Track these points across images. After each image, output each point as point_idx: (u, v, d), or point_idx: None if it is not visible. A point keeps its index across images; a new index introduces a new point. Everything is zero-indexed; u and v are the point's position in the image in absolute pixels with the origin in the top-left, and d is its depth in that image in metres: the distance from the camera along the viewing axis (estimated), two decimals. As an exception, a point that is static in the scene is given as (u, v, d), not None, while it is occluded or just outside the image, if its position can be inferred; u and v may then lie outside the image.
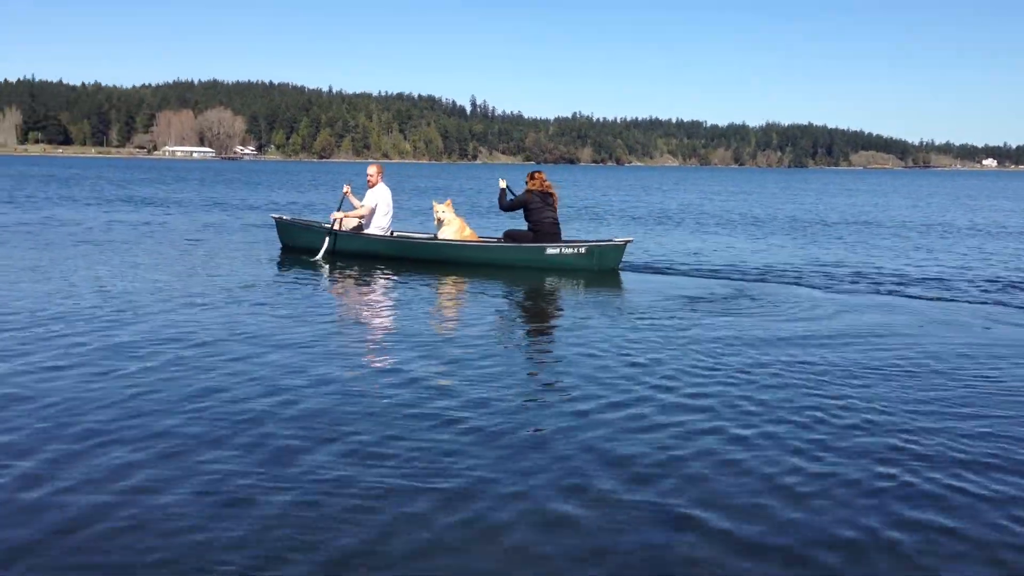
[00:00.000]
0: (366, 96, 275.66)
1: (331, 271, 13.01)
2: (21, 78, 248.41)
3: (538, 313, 10.36)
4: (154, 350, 7.35)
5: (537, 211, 13.05)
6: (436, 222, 13.91)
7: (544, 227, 13.05)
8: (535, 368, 7.33)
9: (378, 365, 7.18)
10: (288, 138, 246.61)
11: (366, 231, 14.25)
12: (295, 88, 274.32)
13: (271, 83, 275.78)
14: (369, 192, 14.36)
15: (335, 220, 14.25)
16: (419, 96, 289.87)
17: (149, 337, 7.85)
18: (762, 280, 12.86)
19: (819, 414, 5.95)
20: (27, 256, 13.90)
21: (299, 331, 8.42)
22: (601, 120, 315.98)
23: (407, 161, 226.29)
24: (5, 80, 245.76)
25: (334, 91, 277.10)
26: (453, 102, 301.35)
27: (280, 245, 15.20)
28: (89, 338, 7.75)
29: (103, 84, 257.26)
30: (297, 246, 14.58)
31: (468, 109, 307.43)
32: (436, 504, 4.31)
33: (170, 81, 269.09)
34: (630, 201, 39.46)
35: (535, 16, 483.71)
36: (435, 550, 3.86)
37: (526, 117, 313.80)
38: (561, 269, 12.86)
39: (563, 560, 3.82)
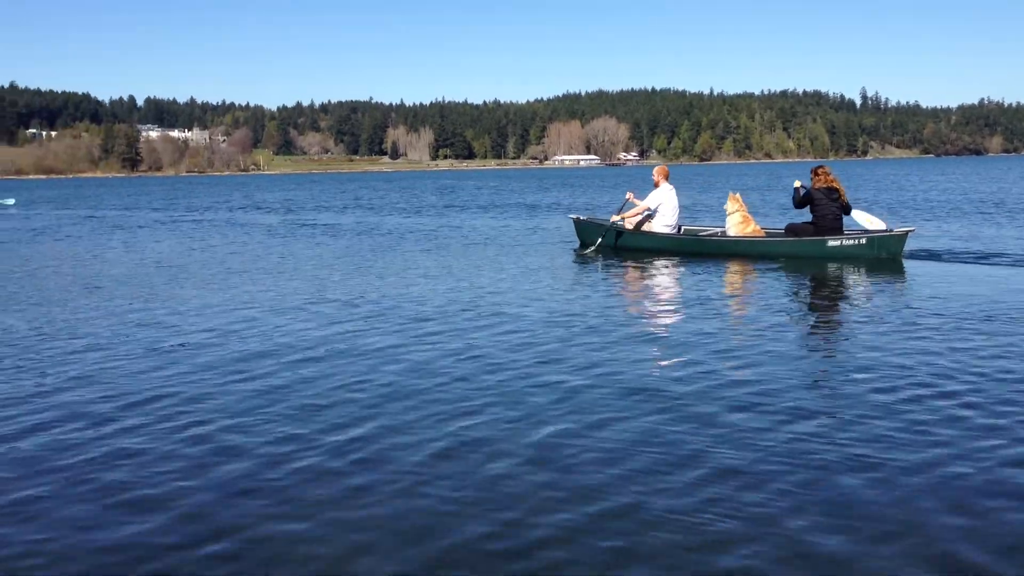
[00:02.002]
0: (748, 96, 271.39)
1: (617, 265, 13.50)
2: (433, 101, 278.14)
3: (820, 303, 10.05)
4: (469, 334, 7.53)
5: (822, 206, 13.41)
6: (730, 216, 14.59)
7: (826, 221, 13.39)
8: (824, 353, 7.19)
9: (666, 352, 7.19)
10: (669, 142, 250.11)
11: (654, 229, 14.99)
12: (676, 93, 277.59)
13: (653, 89, 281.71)
14: (652, 193, 15.14)
15: (613, 221, 15.22)
16: (804, 92, 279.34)
17: (472, 323, 8.09)
18: None
19: None
20: (424, 257, 15.20)
21: (596, 320, 8.71)
22: (1015, 105, 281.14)
23: (790, 160, 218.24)
24: (420, 103, 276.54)
25: (715, 93, 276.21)
26: (841, 96, 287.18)
27: (578, 243, 16.28)
28: (443, 325, 8.14)
29: (501, 101, 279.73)
30: (594, 243, 15.46)
31: (858, 102, 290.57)
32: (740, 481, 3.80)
33: (560, 94, 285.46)
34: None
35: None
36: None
37: (924, 107, 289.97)
38: (843, 259, 13.09)
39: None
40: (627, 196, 15.63)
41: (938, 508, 3.95)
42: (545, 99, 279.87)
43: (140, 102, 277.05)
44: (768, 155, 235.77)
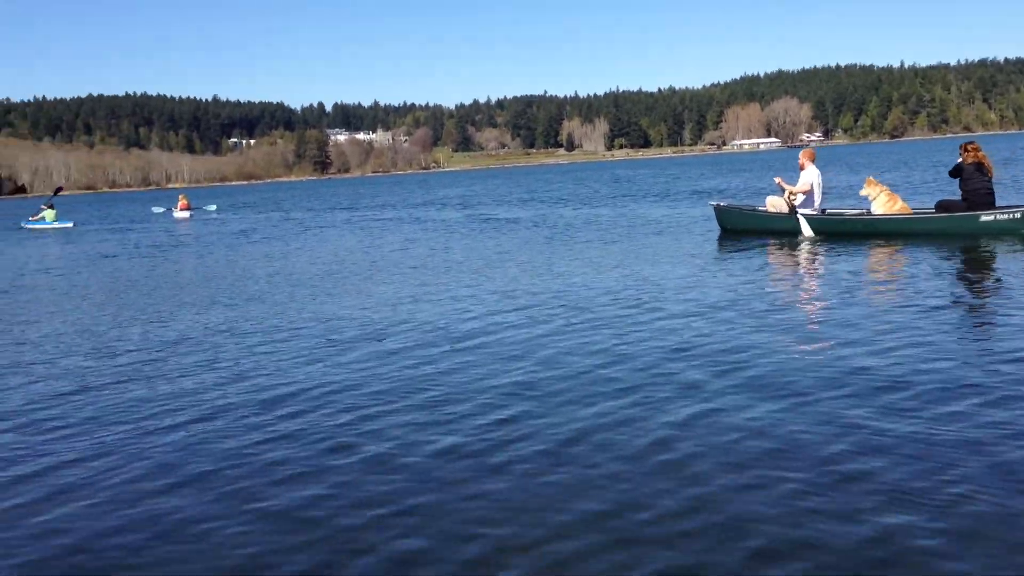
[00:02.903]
0: (942, 67, 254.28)
1: (766, 249, 13.47)
2: (607, 91, 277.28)
3: (975, 281, 9.69)
4: (629, 314, 7.67)
5: (971, 180, 13.20)
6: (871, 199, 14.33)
7: (978, 196, 13.15)
8: (978, 333, 6.98)
9: (822, 333, 7.19)
10: (856, 120, 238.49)
11: (799, 211, 14.74)
12: (863, 68, 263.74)
13: (837, 66, 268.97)
14: (803, 174, 15.09)
15: (790, 197, 15.04)
16: (1006, 60, 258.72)
17: (625, 302, 8.22)
18: None
19: None
20: (588, 248, 15.48)
21: (744, 300, 8.94)
22: None
23: (992, 132, 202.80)
24: (595, 94, 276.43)
25: (905, 66, 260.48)
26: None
27: (720, 229, 16.31)
28: (590, 314, 8.37)
29: (676, 88, 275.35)
30: (734, 229, 15.87)
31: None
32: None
33: (737, 77, 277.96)
34: None
35: None
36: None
37: None
38: (997, 234, 12.73)
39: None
40: (776, 180, 15.74)
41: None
42: (722, 83, 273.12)
43: (328, 108, 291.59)
44: (967, 128, 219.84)
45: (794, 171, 15.89)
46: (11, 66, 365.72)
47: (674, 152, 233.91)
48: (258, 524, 4.04)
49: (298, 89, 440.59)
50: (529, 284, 11.10)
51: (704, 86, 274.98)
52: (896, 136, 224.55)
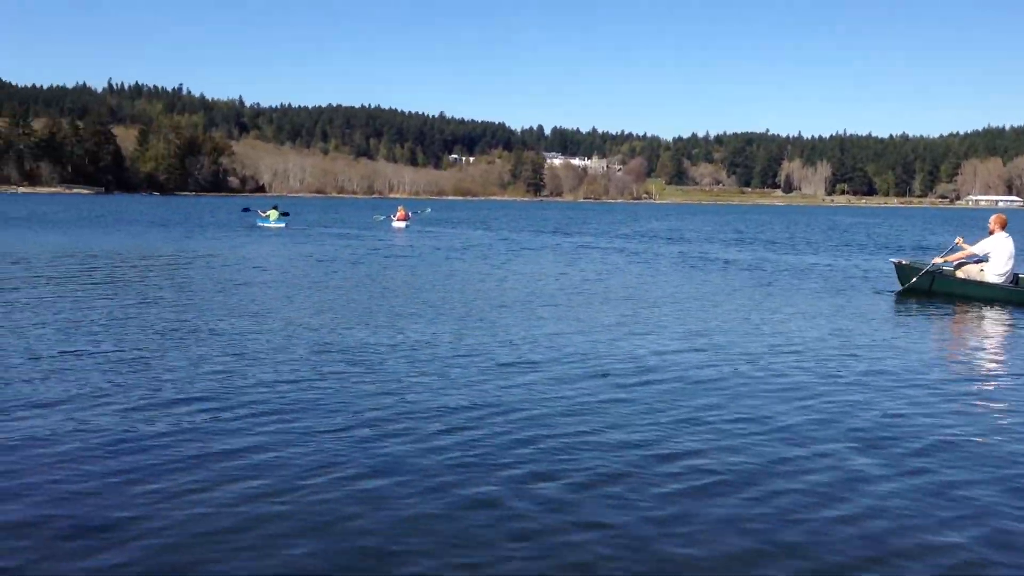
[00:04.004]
0: None
1: (943, 312, 13.25)
2: (833, 134, 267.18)
3: None
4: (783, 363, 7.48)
5: None
6: None
7: None
8: None
9: (985, 404, 7.06)
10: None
11: (986, 277, 14.63)
12: None
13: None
14: (984, 240, 14.88)
15: (935, 263, 15.38)
16: None
17: (782, 354, 8.00)
18: None
19: None
20: (771, 297, 15.15)
21: (906, 363, 8.79)
22: None
23: None
24: (819, 136, 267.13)
25: None
26: None
27: (899, 287, 15.96)
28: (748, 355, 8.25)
29: (910, 135, 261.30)
30: (914, 287, 15.54)
31: None
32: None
33: (979, 128, 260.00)
34: None
35: None
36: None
37: None
38: None
39: None
40: (956, 240, 15.53)
41: None
42: (961, 133, 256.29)
43: (547, 131, 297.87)
44: None
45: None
46: (263, 74, 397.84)
47: (900, 202, 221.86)
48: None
49: (520, 111, 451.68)
50: (719, 325, 10.99)
51: (940, 135, 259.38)
52: None
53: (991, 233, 14.86)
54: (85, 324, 10.24)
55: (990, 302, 14.04)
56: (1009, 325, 11.97)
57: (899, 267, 16.28)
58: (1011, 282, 14.62)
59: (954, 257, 15.17)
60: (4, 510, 4.51)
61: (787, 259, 24.88)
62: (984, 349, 10.31)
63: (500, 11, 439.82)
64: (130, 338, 9.39)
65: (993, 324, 12.09)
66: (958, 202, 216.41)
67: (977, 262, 14.86)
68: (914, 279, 15.29)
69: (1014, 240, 14.92)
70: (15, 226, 36.45)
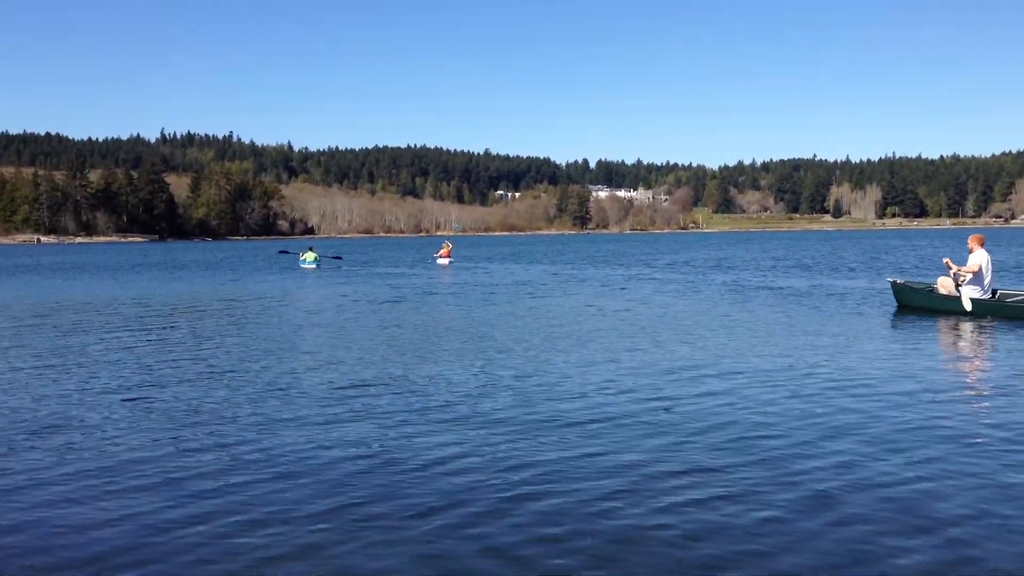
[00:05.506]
0: None
1: (942, 328, 14.20)
2: (882, 157, 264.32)
3: None
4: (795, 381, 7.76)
5: None
6: None
7: None
8: None
9: (980, 411, 7.50)
10: None
11: (972, 294, 15.75)
12: None
13: None
14: (971, 256, 16.04)
15: (940, 283, 16.56)
16: None
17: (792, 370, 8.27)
18: None
19: None
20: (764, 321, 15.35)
21: (910, 375, 9.43)
22: None
23: None
24: (867, 160, 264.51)
25: None
26: None
27: (896, 304, 17.38)
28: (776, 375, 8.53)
29: (961, 156, 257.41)
30: (908, 304, 17.00)
31: None
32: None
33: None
34: None
35: None
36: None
37: None
38: None
39: None
40: (944, 261, 16.80)
41: None
42: (1015, 152, 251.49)
43: (592, 164, 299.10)
44: None
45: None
46: (310, 120, 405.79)
47: (953, 224, 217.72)
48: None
49: (564, 145, 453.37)
50: (749, 350, 11.26)
51: (992, 154, 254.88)
52: None
53: (971, 251, 16.07)
54: (156, 367, 10.86)
55: (969, 314, 15.51)
56: (989, 333, 13.36)
57: (895, 286, 17.68)
58: (990, 295, 15.96)
59: (966, 269, 16.03)
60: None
61: (838, 283, 24.93)
62: (971, 356, 11.56)
63: (540, 47, 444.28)
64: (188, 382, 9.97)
65: (977, 333, 13.52)
66: (1014, 221, 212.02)
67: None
68: (963, 296, 15.95)
69: (991, 256, 16.35)
70: (62, 275, 37.73)
